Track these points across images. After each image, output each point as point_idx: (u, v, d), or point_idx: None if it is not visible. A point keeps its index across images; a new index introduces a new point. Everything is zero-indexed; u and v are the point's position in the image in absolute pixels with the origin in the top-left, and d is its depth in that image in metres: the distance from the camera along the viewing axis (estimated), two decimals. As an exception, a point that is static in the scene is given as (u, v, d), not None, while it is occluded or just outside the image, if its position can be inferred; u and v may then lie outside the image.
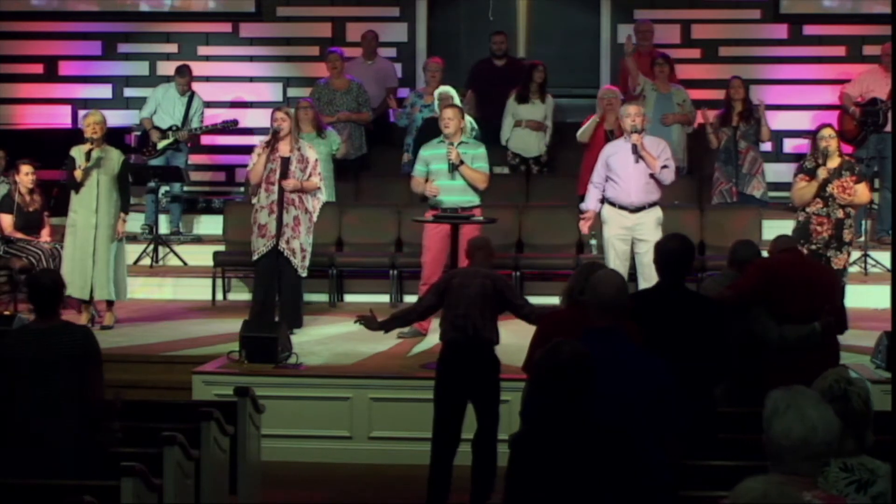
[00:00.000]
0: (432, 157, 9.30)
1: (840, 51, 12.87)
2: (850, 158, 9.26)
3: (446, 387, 6.87)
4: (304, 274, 9.40)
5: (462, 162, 9.12)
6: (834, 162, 8.77)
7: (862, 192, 8.86)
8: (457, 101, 10.90)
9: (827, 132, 8.82)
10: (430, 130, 10.35)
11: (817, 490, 3.51)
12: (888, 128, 11.30)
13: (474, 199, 9.24)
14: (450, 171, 9.16)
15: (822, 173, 8.67)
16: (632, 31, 12.21)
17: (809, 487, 3.48)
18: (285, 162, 9.26)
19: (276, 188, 9.24)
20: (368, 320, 7.11)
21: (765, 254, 7.28)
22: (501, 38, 12.45)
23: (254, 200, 9.45)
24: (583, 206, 9.48)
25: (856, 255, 10.75)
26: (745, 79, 11.48)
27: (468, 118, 11.11)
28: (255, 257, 9.41)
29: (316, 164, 9.35)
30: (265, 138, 9.45)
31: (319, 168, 9.42)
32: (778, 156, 12.63)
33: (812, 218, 8.77)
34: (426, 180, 9.24)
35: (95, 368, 5.43)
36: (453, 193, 9.18)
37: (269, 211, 9.27)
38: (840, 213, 8.74)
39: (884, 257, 10.80)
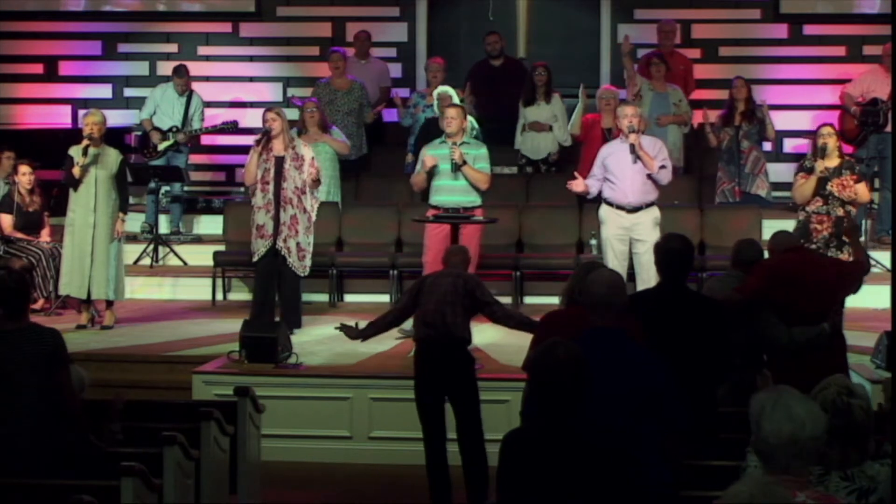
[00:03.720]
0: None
1: (840, 51, 12.87)
2: (850, 158, 9.25)
3: (421, 385, 6.84)
4: (304, 273, 9.37)
5: (465, 162, 9.11)
6: (833, 161, 8.76)
7: (862, 192, 8.84)
8: (456, 100, 10.90)
9: (825, 130, 8.82)
10: (431, 130, 10.37)
11: (810, 490, 3.51)
12: (888, 128, 11.31)
13: (476, 200, 9.23)
14: (452, 171, 9.15)
15: (818, 166, 8.66)
16: (630, 30, 12.21)
17: (803, 487, 3.49)
18: (279, 161, 9.24)
19: (271, 188, 9.21)
20: (348, 328, 7.16)
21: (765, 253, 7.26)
22: (495, 39, 12.42)
23: (252, 201, 9.46)
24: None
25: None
26: (746, 79, 11.48)
27: (470, 118, 11.12)
28: (255, 259, 9.40)
29: (312, 161, 9.34)
30: (257, 137, 9.45)
31: (316, 163, 9.42)
32: (778, 156, 12.63)
33: (812, 216, 8.74)
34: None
35: (64, 370, 5.33)
36: (455, 193, 9.16)
37: (265, 210, 9.26)
38: (840, 212, 8.71)
39: (884, 257, 10.79)
